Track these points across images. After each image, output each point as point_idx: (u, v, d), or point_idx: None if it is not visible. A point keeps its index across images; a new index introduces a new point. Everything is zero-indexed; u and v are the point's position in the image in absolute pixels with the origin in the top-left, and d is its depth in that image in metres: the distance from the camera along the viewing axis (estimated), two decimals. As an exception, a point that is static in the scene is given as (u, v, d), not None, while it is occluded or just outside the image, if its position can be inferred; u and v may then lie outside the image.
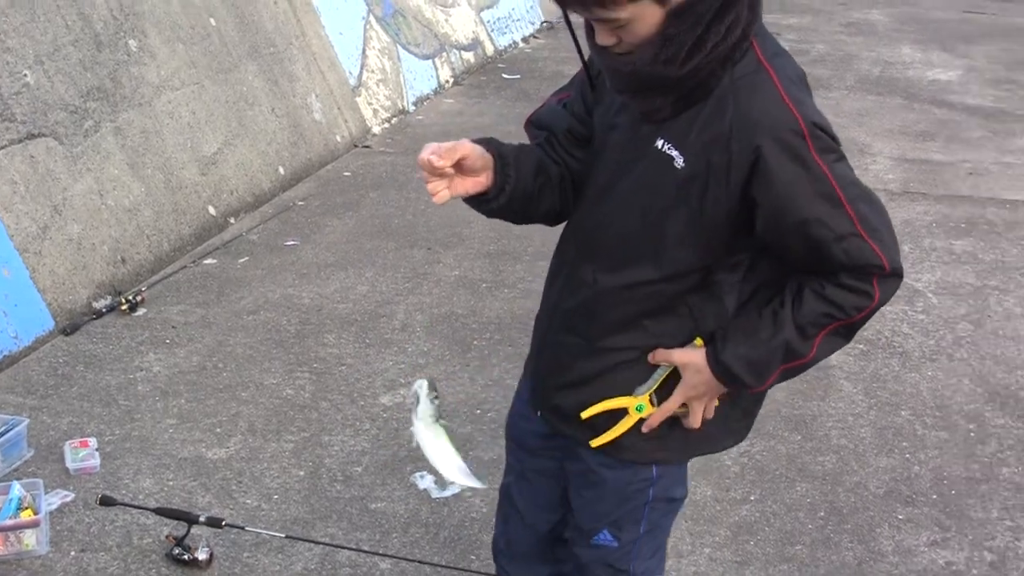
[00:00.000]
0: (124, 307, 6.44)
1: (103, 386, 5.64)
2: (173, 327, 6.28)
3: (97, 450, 4.98)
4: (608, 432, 2.76)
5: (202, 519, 4.24)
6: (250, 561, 4.30)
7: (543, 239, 6.56)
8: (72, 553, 4.33)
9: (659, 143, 2.50)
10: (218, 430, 5.26)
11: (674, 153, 2.47)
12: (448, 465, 2.82)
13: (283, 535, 4.35)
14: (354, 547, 4.38)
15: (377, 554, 4.32)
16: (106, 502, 4.41)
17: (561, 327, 2.84)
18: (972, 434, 5.46)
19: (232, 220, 7.92)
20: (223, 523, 4.24)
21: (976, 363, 6.20)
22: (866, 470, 5.10)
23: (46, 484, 4.66)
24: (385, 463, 5.02)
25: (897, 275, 2.52)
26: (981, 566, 4.47)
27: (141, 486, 4.77)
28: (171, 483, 4.80)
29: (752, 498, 4.83)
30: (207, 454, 5.04)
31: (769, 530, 4.61)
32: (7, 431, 4.89)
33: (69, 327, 6.22)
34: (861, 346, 6.33)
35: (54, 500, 4.63)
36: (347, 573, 4.25)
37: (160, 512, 4.32)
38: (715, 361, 2.62)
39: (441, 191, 2.57)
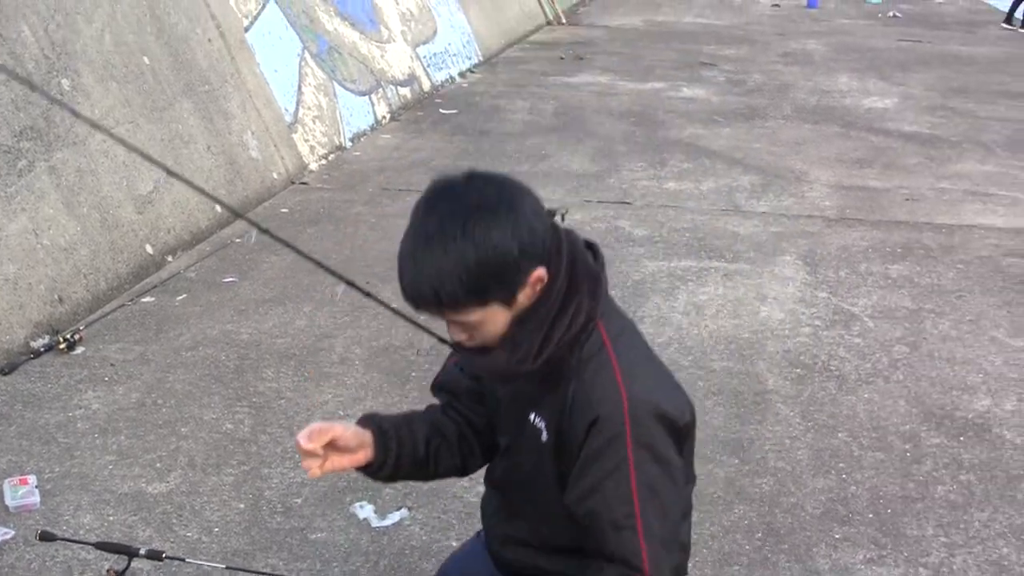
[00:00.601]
0: (62, 346, 6.50)
1: (42, 424, 5.70)
2: (112, 365, 6.35)
3: (37, 487, 5.05)
4: None
5: (142, 552, 4.26)
6: (192, 593, 4.38)
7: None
8: (12, 592, 4.39)
9: (531, 416, 2.70)
10: (158, 465, 5.33)
11: (541, 426, 2.66)
12: None
13: (223, 566, 4.42)
14: (294, 581, 4.45)
15: (317, 584, 4.41)
16: (46, 537, 4.44)
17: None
18: (908, 454, 5.60)
19: (170, 258, 8.01)
20: (163, 555, 4.27)
21: (912, 384, 6.35)
22: (803, 491, 5.22)
23: (-14, 523, 4.74)
24: (325, 494, 5.11)
25: None
26: (916, 582, 4.58)
27: (82, 522, 4.84)
28: (111, 518, 4.87)
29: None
30: (147, 489, 5.12)
31: (707, 552, 4.72)
32: (-55, 471, 4.95)
33: (7, 367, 6.27)
34: (798, 370, 6.49)
35: (-6, 538, 4.69)
36: (291, 604, 4.33)
37: (100, 547, 4.35)
38: None
39: (312, 468, 2.73)
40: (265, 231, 3.04)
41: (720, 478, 5.30)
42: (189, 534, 4.78)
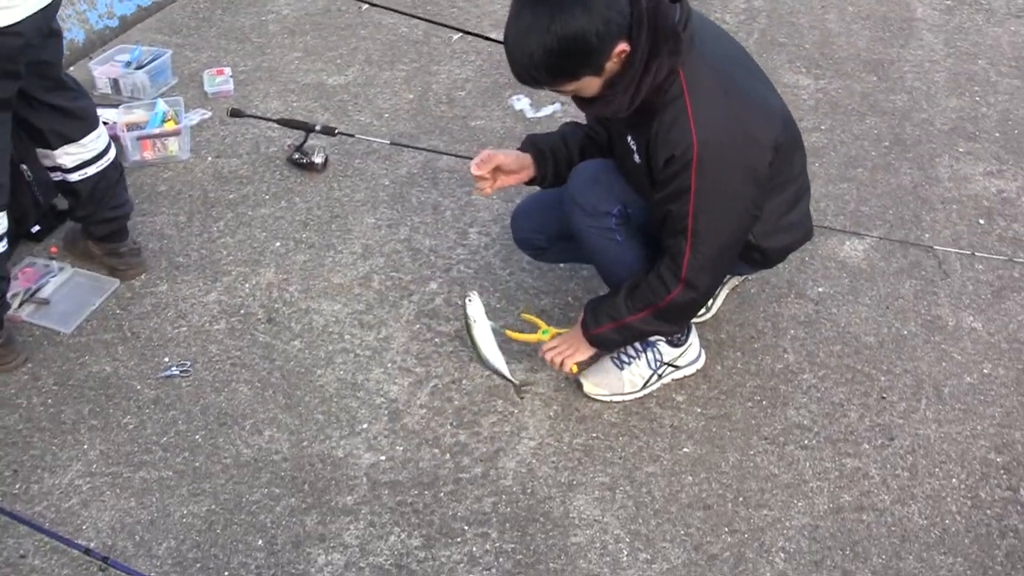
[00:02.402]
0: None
1: (238, 26, 6.00)
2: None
3: (231, 78, 5.38)
4: (518, 335, 3.52)
5: (318, 128, 4.61)
6: (360, 166, 4.70)
7: None
8: (209, 158, 4.77)
9: (628, 138, 3.05)
10: (338, 61, 5.61)
11: (633, 147, 3.03)
12: (498, 363, 3.31)
13: (388, 142, 4.73)
14: (454, 153, 4.74)
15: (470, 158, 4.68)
16: (235, 114, 4.82)
17: None
18: (1046, 76, 5.51)
19: None
20: (336, 131, 4.62)
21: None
22: (935, 108, 5.24)
23: (188, 105, 5.10)
24: (486, 88, 5.34)
25: (691, 287, 3.00)
26: (1030, 193, 4.65)
27: (269, 106, 5.16)
28: (295, 104, 5.19)
29: (822, 127, 5.04)
30: (327, 81, 5.41)
31: (834, 155, 4.83)
32: (154, 59, 5.31)
33: (208, -24, 6.55)
34: (948, 1, 6.38)
35: (194, 116, 5.06)
36: (445, 176, 4.62)
37: (281, 123, 4.70)
38: (584, 330, 3.27)
39: (484, 188, 3.27)
40: None
41: (856, 92, 5.35)
42: (362, 118, 5.07)
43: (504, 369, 3.29)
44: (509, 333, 3.48)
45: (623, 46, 2.68)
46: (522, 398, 3.46)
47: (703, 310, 3.75)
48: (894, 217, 4.36)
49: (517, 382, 3.38)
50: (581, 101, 2.92)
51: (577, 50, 2.63)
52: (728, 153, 2.80)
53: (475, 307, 3.26)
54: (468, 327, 3.27)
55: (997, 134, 5.04)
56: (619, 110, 2.81)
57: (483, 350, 3.27)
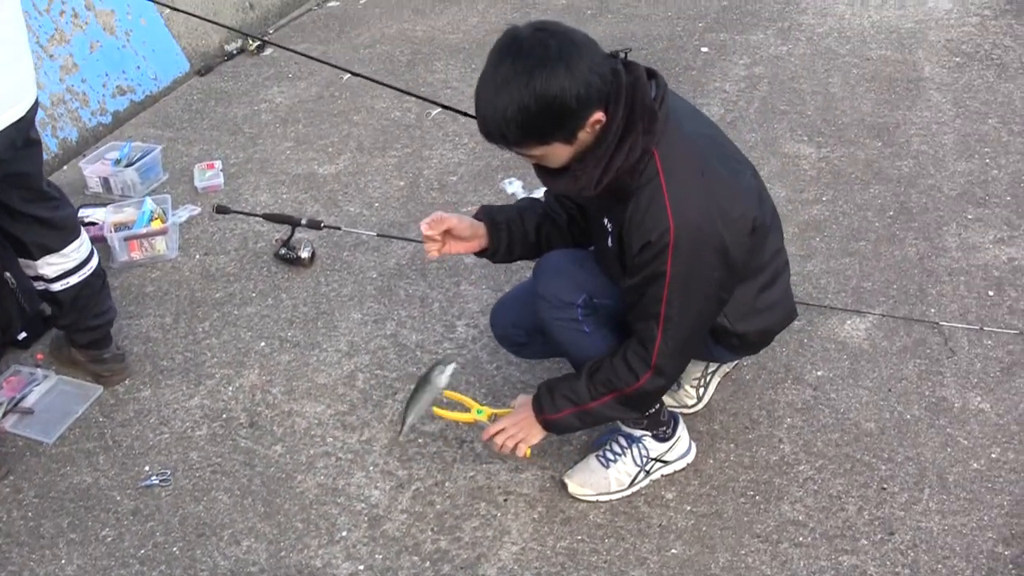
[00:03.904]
0: (253, 48, 6.79)
1: (231, 117, 6.04)
2: (296, 63, 6.61)
3: (222, 171, 5.39)
4: (447, 413, 3.39)
5: (303, 222, 4.61)
6: (348, 259, 4.68)
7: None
8: (197, 256, 4.77)
9: (604, 220, 2.99)
10: (330, 149, 5.63)
11: (609, 228, 2.95)
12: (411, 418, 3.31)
13: (375, 233, 4.72)
14: (443, 243, 4.69)
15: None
16: (221, 210, 4.82)
17: None
18: (1057, 138, 5.45)
19: (357, -35, 8.16)
20: (322, 224, 4.60)
21: (1072, 72, 6.13)
22: (942, 173, 5.18)
23: (178, 201, 5.12)
24: (478, 172, 5.33)
25: (660, 374, 2.93)
26: (1042, 262, 4.56)
27: (259, 199, 5.17)
28: (285, 196, 5.19)
29: (824, 199, 4.98)
30: (318, 170, 5.42)
31: (836, 228, 4.76)
32: (144, 156, 5.33)
33: (203, 68, 6.63)
34: (958, 58, 6.35)
35: (183, 213, 5.07)
36: (434, 267, 4.59)
37: (267, 217, 4.70)
38: (538, 412, 3.17)
39: (432, 250, 3.19)
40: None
41: (860, 159, 5.30)
42: (352, 208, 5.07)
43: (409, 423, 3.28)
44: (437, 411, 3.38)
45: (599, 115, 2.64)
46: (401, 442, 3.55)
47: (692, 400, 3.69)
48: (898, 292, 4.29)
49: (402, 438, 3.48)
50: (546, 175, 2.86)
51: (554, 111, 2.57)
52: (705, 236, 2.74)
53: (444, 379, 3.24)
54: (425, 380, 3.26)
55: (1008, 197, 4.97)
56: (586, 187, 2.75)
57: (415, 406, 3.27)
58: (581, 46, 2.58)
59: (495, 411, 3.35)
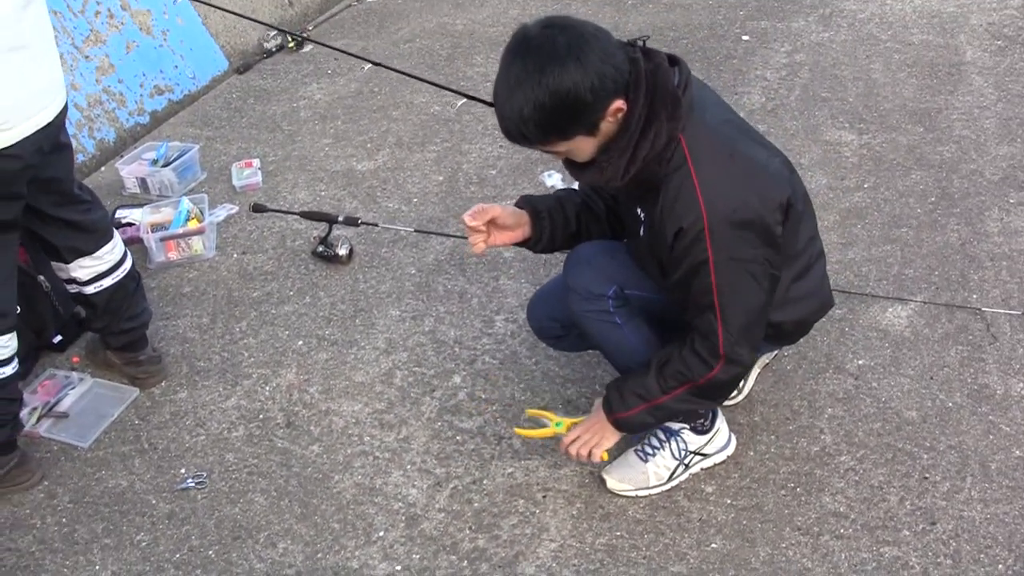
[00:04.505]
0: (292, 45, 6.79)
1: (270, 115, 6.04)
2: (335, 59, 6.61)
3: (260, 169, 5.39)
4: (528, 432, 3.40)
5: (340, 219, 4.59)
6: (387, 255, 4.67)
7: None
8: (234, 255, 4.77)
9: (636, 209, 2.98)
10: (368, 145, 5.61)
11: (642, 219, 2.95)
12: None
13: (412, 229, 4.70)
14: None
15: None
16: (258, 209, 4.82)
17: None
18: (1102, 116, 5.35)
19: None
20: (359, 221, 4.58)
21: (1119, 50, 6.04)
22: (984, 158, 5.10)
23: (216, 200, 5.13)
24: (517, 165, 5.30)
25: (732, 362, 2.88)
26: (1086, 242, 4.48)
27: (297, 197, 5.17)
28: (323, 193, 5.19)
29: (866, 186, 4.92)
30: (357, 167, 5.41)
31: (878, 214, 4.70)
32: (181, 156, 5.33)
33: (242, 66, 6.63)
34: (1000, 42, 6.26)
35: (221, 212, 5.07)
36: (473, 262, 4.56)
37: (304, 215, 4.69)
38: (608, 413, 3.12)
39: (478, 243, 3.13)
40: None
41: (902, 145, 5.23)
42: (390, 204, 5.06)
43: None
44: (519, 431, 3.39)
45: (619, 104, 2.62)
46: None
47: (735, 392, 3.64)
48: (939, 279, 4.22)
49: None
50: (574, 168, 2.85)
51: (570, 106, 2.56)
52: (740, 217, 2.71)
53: None
54: None
55: (1052, 181, 4.86)
56: (613, 178, 2.73)
57: None
58: (591, 38, 2.57)
59: (573, 420, 3.32)
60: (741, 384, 3.65)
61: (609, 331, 3.11)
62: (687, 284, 2.79)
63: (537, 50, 2.54)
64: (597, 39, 2.58)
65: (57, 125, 3.33)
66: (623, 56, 2.62)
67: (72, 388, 4.01)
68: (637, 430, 3.21)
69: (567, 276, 3.16)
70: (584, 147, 2.71)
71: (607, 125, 2.66)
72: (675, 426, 3.32)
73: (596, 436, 3.18)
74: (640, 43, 2.74)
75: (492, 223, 3.15)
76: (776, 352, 3.74)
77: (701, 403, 3.04)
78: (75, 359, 4.18)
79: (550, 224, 3.23)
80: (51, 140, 3.33)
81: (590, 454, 3.18)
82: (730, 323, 2.81)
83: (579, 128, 2.64)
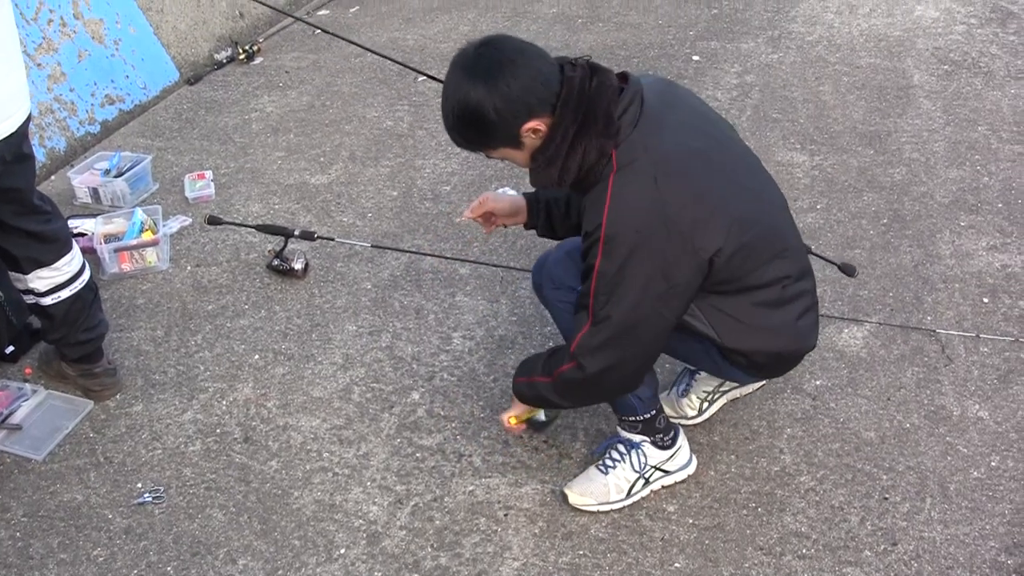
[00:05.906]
0: (242, 57, 6.73)
1: (221, 126, 5.97)
2: (286, 72, 6.57)
3: (212, 181, 5.32)
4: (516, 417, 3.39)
5: (296, 233, 4.54)
6: (342, 270, 4.61)
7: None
8: (188, 268, 4.69)
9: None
10: (322, 159, 5.56)
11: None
12: None
13: (369, 244, 4.65)
14: (437, 254, 4.65)
15: (458, 259, 4.60)
16: (213, 221, 4.75)
17: None
18: (1046, 144, 5.41)
19: (346, -26, 8.10)
20: (315, 236, 4.53)
21: (1061, 77, 6.11)
22: (934, 181, 5.15)
23: (168, 211, 5.05)
24: (472, 181, 5.27)
25: (579, 366, 2.91)
26: (1034, 266, 4.52)
27: (250, 210, 5.10)
28: (277, 206, 5.12)
29: (819, 207, 4.94)
30: (310, 180, 5.35)
31: (831, 235, 4.72)
32: (133, 166, 5.25)
33: (193, 77, 6.56)
34: (946, 66, 6.32)
35: (174, 224, 5.00)
36: (429, 278, 4.53)
37: (260, 228, 4.63)
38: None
39: (485, 227, 3.52)
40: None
41: (853, 167, 5.26)
42: (345, 219, 5.01)
43: None
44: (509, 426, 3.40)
45: (534, 124, 2.72)
46: None
47: (693, 412, 3.63)
48: (894, 300, 4.24)
49: None
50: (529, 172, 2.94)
51: (476, 122, 2.70)
52: (639, 240, 2.72)
53: None
54: None
55: (1000, 204, 4.94)
56: (548, 183, 2.82)
57: None
58: (518, 61, 2.69)
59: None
60: (703, 407, 3.64)
61: (568, 321, 3.13)
62: (582, 279, 2.85)
63: (463, 67, 2.69)
64: (527, 61, 2.70)
65: (20, 135, 3.27)
66: (555, 75, 2.71)
67: (25, 400, 3.92)
68: (526, 401, 3.23)
69: (549, 265, 3.33)
70: (513, 156, 2.84)
71: (529, 140, 2.77)
72: (636, 438, 3.32)
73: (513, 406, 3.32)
74: (584, 61, 2.80)
75: (490, 213, 3.45)
76: (761, 384, 3.72)
77: (558, 399, 3.08)
78: (28, 370, 4.09)
79: (546, 212, 3.42)
80: (13, 150, 3.26)
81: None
82: (593, 331, 2.85)
83: (496, 141, 2.78)
